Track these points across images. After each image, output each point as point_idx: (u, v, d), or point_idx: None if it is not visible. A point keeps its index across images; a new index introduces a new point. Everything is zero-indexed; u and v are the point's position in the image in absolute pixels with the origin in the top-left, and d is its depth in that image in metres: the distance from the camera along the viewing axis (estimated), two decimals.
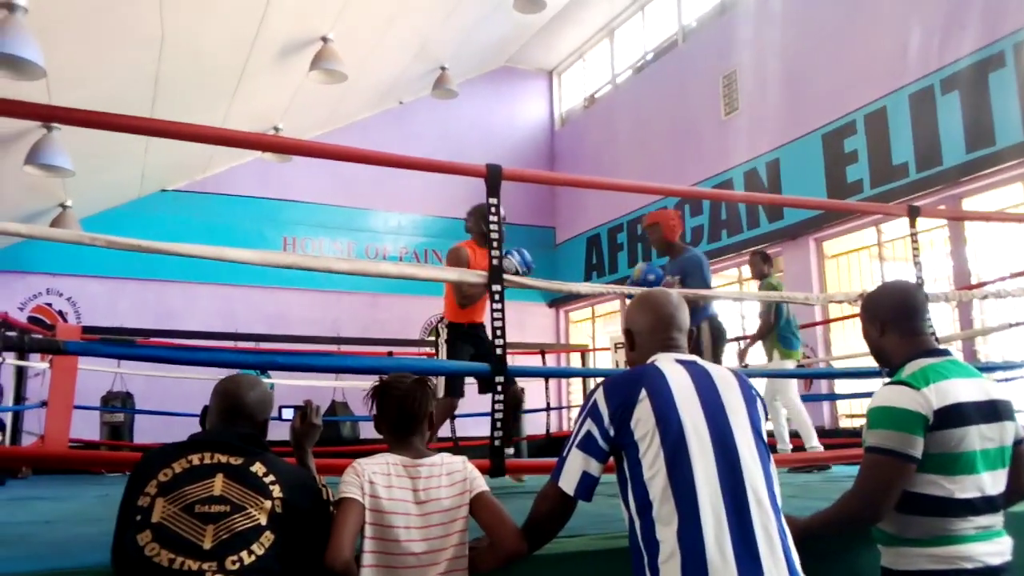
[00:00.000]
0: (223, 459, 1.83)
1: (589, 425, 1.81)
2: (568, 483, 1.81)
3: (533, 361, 10.44)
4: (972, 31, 7.30)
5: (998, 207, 7.44)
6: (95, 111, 2.52)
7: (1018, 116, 6.89)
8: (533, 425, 10.48)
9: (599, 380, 1.91)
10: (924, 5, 7.84)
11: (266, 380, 9.89)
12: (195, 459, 1.82)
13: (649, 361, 1.91)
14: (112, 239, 2.47)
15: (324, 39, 8.62)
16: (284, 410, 1.88)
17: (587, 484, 1.80)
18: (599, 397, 1.83)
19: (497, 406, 2.66)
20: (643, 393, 1.77)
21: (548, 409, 9.99)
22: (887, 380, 2.09)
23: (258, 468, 1.83)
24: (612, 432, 1.78)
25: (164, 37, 6.91)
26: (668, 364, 1.86)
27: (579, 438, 1.83)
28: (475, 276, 2.68)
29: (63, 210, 9.66)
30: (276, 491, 1.80)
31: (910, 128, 7.92)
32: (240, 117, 9.55)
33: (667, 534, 1.64)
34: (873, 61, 8.38)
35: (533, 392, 10.60)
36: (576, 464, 1.81)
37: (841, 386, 8.25)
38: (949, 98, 7.54)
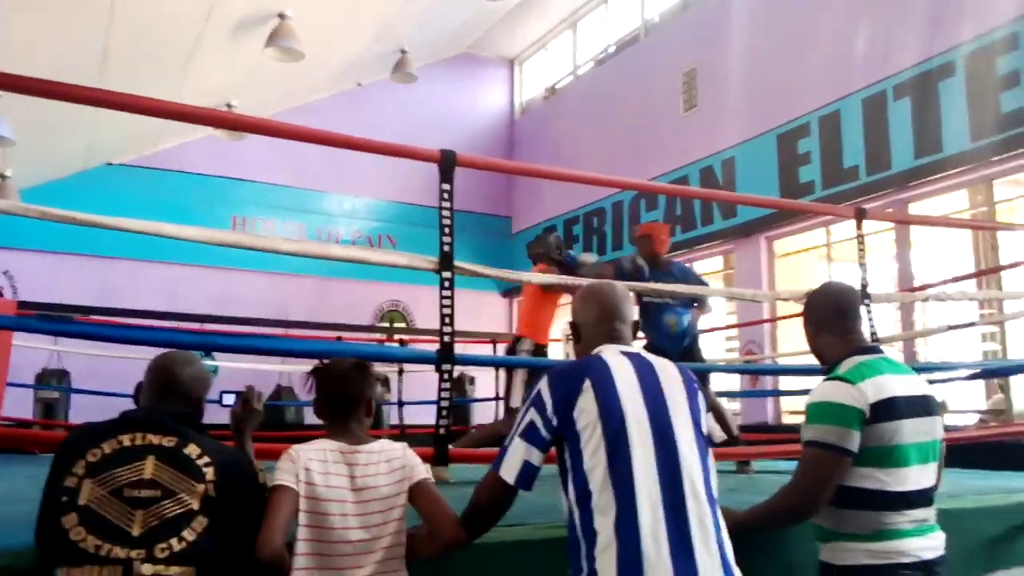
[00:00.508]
0: (155, 440, 1.77)
1: (532, 415, 1.81)
2: (509, 472, 1.81)
3: (485, 350, 10.43)
4: (925, 40, 7.48)
5: (943, 212, 7.65)
6: (40, 79, 2.42)
7: (965, 125, 7.08)
8: (483, 415, 10.48)
9: (543, 376, 1.90)
10: (880, 13, 7.99)
11: (210, 362, 9.72)
12: (126, 440, 1.76)
13: (594, 352, 1.92)
14: (46, 210, 2.38)
15: (281, 15, 8.45)
16: (225, 395, 1.84)
17: (528, 473, 1.80)
18: (543, 387, 1.83)
19: (443, 393, 2.64)
20: (587, 383, 1.77)
21: (498, 399, 9.97)
22: (825, 376, 2.14)
23: (192, 450, 1.78)
24: (555, 422, 1.78)
25: (114, 6, 6.69)
26: (613, 355, 1.87)
27: (522, 427, 1.83)
28: (426, 262, 2.64)
29: (2, 180, 9.32)
30: (210, 474, 1.76)
31: (862, 132, 8.08)
32: (192, 92, 9.30)
33: (604, 524, 1.65)
34: (829, 65, 8.52)
35: (483, 381, 10.62)
36: (518, 453, 1.81)
37: (786, 383, 8.40)
38: (900, 104, 7.71)
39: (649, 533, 1.61)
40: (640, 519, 1.63)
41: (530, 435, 1.80)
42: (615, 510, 1.65)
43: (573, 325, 2.05)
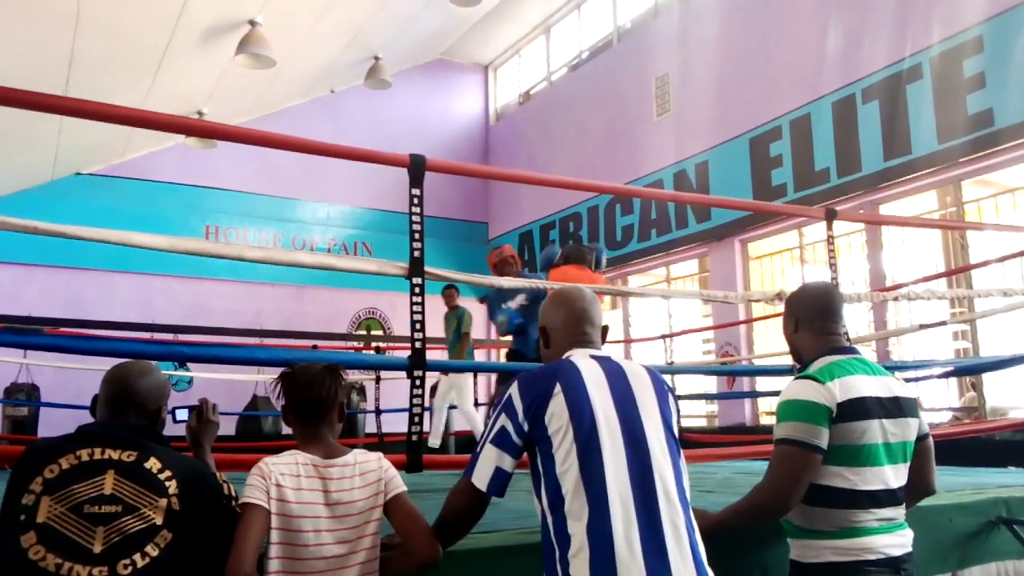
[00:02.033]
0: (114, 455, 1.72)
1: (503, 420, 1.80)
2: (481, 479, 1.79)
3: None
4: (892, 44, 7.57)
5: (913, 213, 7.74)
6: (4, 87, 2.36)
7: (933, 127, 7.17)
8: (462, 421, 10.42)
9: (513, 381, 1.88)
10: (848, 17, 8.09)
11: (184, 373, 9.58)
12: (84, 454, 1.71)
13: (564, 356, 1.91)
14: (5, 220, 2.32)
15: (252, 22, 8.39)
16: (178, 411, 1.79)
17: (500, 480, 1.79)
18: (514, 392, 1.81)
19: (415, 400, 2.61)
20: (557, 388, 1.76)
21: (476, 404, 9.95)
22: (795, 375, 2.15)
23: (152, 464, 1.73)
24: (526, 427, 1.77)
25: (80, 11, 6.60)
26: (582, 359, 1.86)
27: (493, 433, 1.81)
28: (396, 268, 2.62)
29: None
30: (172, 487, 1.71)
31: (832, 135, 8.17)
32: (162, 100, 9.21)
33: (577, 528, 1.64)
34: (799, 69, 8.61)
35: None
36: (489, 460, 1.79)
37: (762, 384, 8.46)
38: (869, 107, 7.80)
39: (622, 536, 1.61)
40: (613, 523, 1.62)
41: (501, 441, 1.79)
42: (587, 514, 1.64)
43: (543, 330, 2.04)
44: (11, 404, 8.28)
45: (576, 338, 1.95)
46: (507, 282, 2.88)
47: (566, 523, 1.66)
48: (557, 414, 1.73)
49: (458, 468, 2.24)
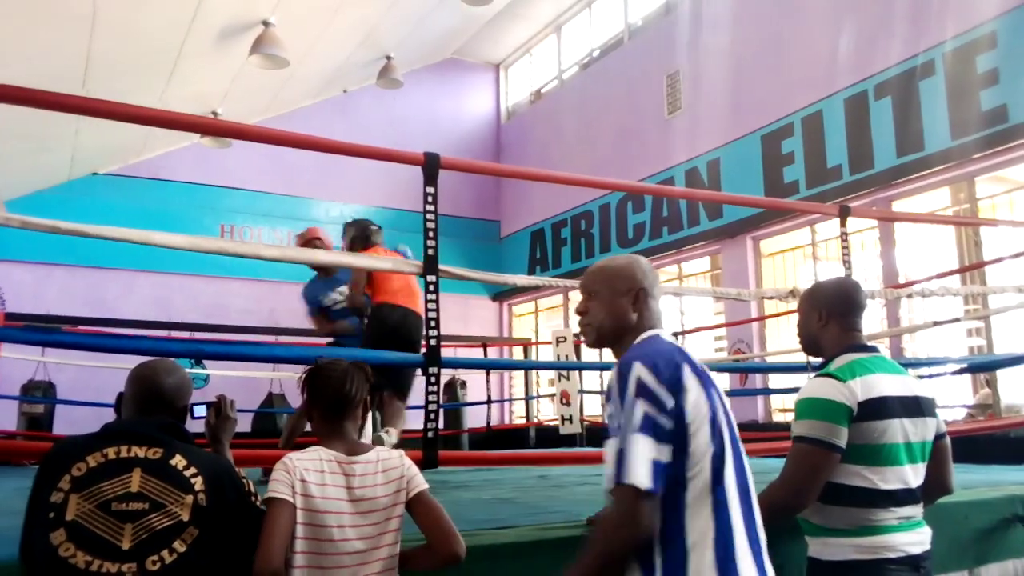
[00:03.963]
0: (140, 452, 1.75)
1: (644, 407, 1.53)
2: (640, 476, 1.48)
3: (475, 354, 10.44)
4: (905, 40, 7.53)
5: (926, 210, 7.70)
6: (21, 87, 2.40)
7: (946, 123, 7.14)
8: (475, 418, 10.48)
9: (629, 361, 1.60)
10: (860, 13, 8.05)
11: (201, 371, 9.65)
12: (110, 452, 1.73)
13: (652, 332, 1.74)
14: (28, 220, 2.37)
15: (265, 23, 8.44)
16: (195, 407, 1.80)
17: (661, 474, 1.50)
18: (642, 374, 1.56)
19: (431, 396, 2.64)
20: (687, 370, 1.59)
21: (489, 402, 10.02)
22: (814, 373, 2.16)
23: (178, 461, 1.76)
24: (674, 408, 1.54)
25: (96, 12, 6.66)
26: (671, 337, 1.76)
27: (637, 423, 1.52)
28: (410, 266, 2.65)
29: None
30: (198, 484, 1.74)
31: (844, 131, 8.14)
32: (177, 100, 9.28)
33: (698, 521, 1.54)
34: (811, 66, 8.58)
35: (475, 385, 10.63)
36: (644, 452, 1.50)
37: (774, 381, 8.43)
38: (882, 103, 7.76)
39: (741, 529, 1.55)
40: (731, 516, 1.55)
41: (652, 428, 1.52)
42: (709, 505, 1.54)
43: (642, 291, 1.83)
44: (26, 401, 8.35)
45: (658, 315, 1.83)
46: (521, 280, 2.91)
47: (684, 514, 1.54)
48: (696, 404, 1.57)
49: (473, 464, 2.28)
